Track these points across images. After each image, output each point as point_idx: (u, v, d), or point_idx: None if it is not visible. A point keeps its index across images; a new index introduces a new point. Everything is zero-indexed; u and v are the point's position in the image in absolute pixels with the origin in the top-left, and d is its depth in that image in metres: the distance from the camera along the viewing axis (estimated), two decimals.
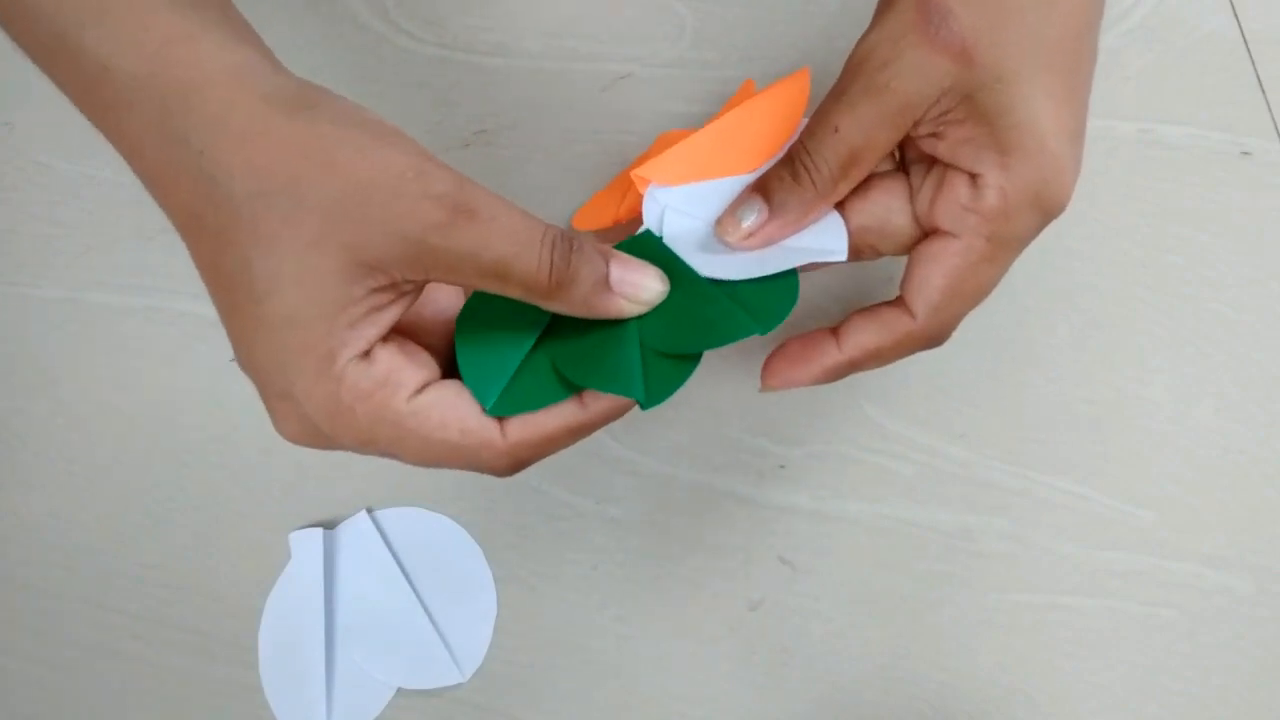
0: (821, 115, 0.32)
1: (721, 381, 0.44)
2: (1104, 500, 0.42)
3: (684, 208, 0.34)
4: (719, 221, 0.33)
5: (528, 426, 0.31)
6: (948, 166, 0.32)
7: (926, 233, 0.33)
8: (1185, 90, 0.47)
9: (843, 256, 0.33)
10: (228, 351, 0.45)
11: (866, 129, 0.31)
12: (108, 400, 0.46)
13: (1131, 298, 0.44)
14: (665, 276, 0.32)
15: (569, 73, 0.49)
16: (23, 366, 0.47)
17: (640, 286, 0.31)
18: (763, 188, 0.33)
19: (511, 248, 0.28)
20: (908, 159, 0.34)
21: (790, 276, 0.32)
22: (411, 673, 0.41)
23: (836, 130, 0.31)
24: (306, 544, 0.42)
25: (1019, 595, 0.41)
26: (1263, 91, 0.47)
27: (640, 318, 0.32)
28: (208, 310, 0.46)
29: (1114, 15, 0.48)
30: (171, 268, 0.48)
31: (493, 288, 0.29)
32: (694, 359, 0.32)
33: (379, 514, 0.43)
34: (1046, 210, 0.32)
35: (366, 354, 0.29)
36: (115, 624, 0.43)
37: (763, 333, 0.32)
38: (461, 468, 0.31)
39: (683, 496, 0.43)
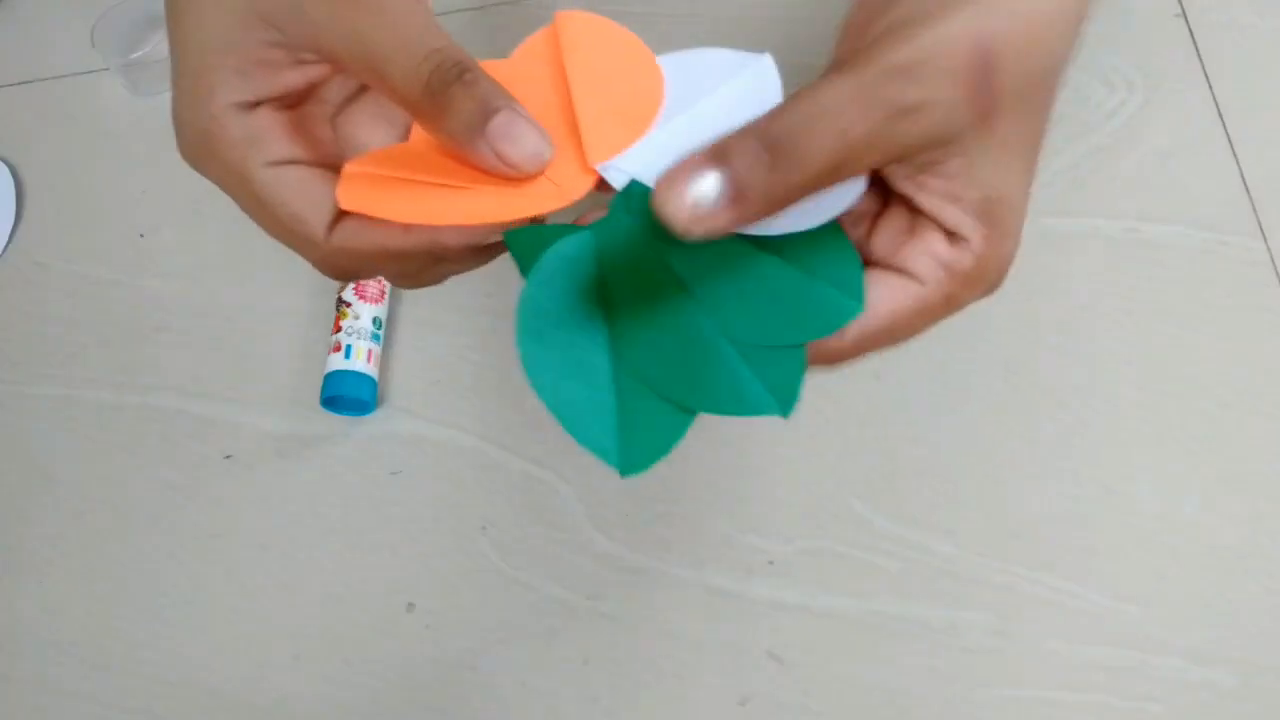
0: (828, 108, 0.32)
1: (711, 478, 0.54)
2: (1090, 596, 0.51)
3: (652, 166, 0.35)
4: (659, 188, 0.32)
5: (352, 238, 0.36)
6: (918, 212, 0.36)
7: (869, 260, 0.37)
8: (1171, 189, 0.57)
9: (860, 191, 0.35)
10: (221, 448, 0.56)
11: (870, 146, 0.33)
12: (102, 496, 0.56)
13: (1117, 395, 0.54)
14: (547, 145, 0.34)
15: None
16: (18, 463, 0.57)
17: (515, 140, 0.34)
18: (724, 159, 0.32)
19: (391, 45, 0.33)
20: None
21: (800, 351, 0.35)
22: None
23: (845, 132, 0.32)
24: None
25: (1006, 690, 0.50)
26: (1247, 191, 0.57)
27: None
28: (200, 408, 0.57)
29: (1102, 114, 0.59)
30: (165, 366, 0.58)
31: (371, 83, 0.35)
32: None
33: None
34: (994, 286, 0.37)
35: (253, 106, 0.36)
36: (109, 718, 0.53)
37: (784, 415, 0.34)
38: (288, 246, 0.38)
39: (672, 592, 0.52)
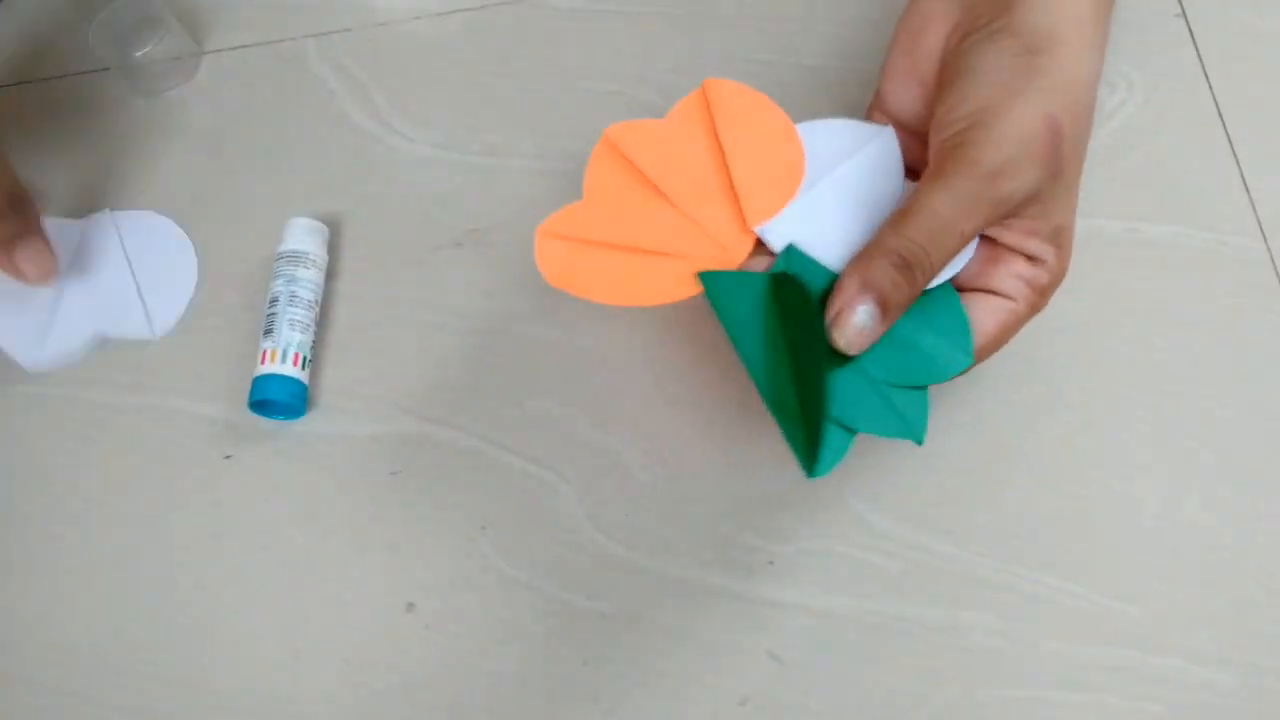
0: (949, 220, 0.41)
1: (711, 478, 0.54)
2: (1090, 596, 0.51)
3: (804, 229, 0.45)
4: (833, 321, 0.41)
5: None
6: (1000, 244, 0.45)
7: (965, 288, 0.45)
8: (1171, 189, 0.57)
9: (969, 258, 0.45)
10: (221, 449, 0.56)
11: (983, 227, 0.42)
12: (104, 497, 0.56)
13: (1118, 395, 0.54)
14: (53, 270, 0.56)
15: (561, 172, 0.60)
16: (20, 463, 0.57)
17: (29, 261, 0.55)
18: (872, 287, 0.41)
19: None
20: None
21: (924, 395, 0.44)
22: (113, 325, 0.59)
23: (963, 234, 0.42)
24: (61, 227, 0.61)
25: (1006, 690, 0.50)
26: (1247, 191, 0.57)
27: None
28: (202, 408, 0.57)
29: (1102, 115, 0.59)
30: (167, 367, 0.58)
31: None
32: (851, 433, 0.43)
33: (118, 213, 0.62)
34: (1055, 292, 0.46)
35: None
36: (109, 718, 0.53)
37: (919, 442, 0.43)
38: None
39: (673, 592, 0.52)
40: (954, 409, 0.54)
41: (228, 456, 0.56)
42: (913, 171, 0.47)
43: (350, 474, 0.55)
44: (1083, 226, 0.56)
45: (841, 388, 0.43)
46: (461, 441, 0.55)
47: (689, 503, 0.53)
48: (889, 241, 0.41)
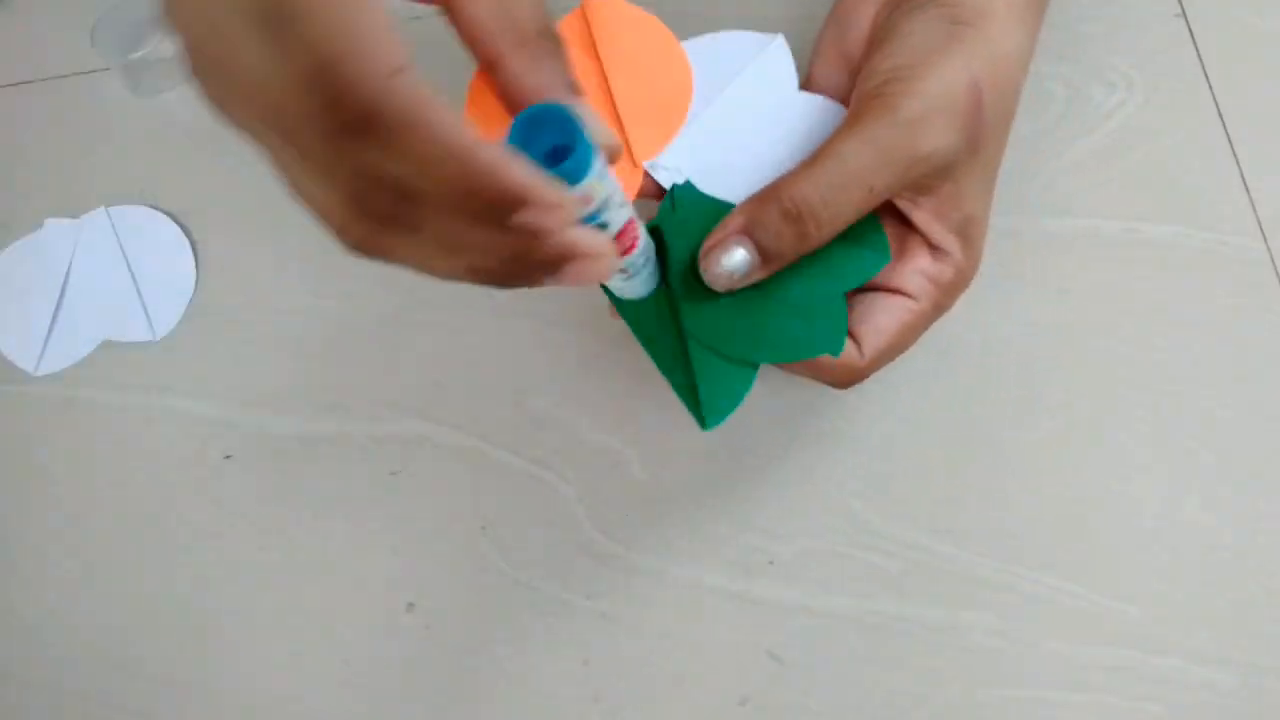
0: (856, 172, 0.39)
1: (711, 478, 0.54)
2: (1090, 596, 0.51)
3: (696, 160, 0.42)
4: (703, 256, 0.39)
5: None
6: (911, 229, 0.42)
7: (867, 286, 0.43)
8: (1171, 189, 0.57)
9: None
10: (221, 449, 0.56)
11: (892, 191, 0.40)
12: (104, 498, 0.56)
13: (1116, 396, 0.54)
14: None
15: None
16: (19, 464, 0.57)
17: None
18: (755, 231, 0.39)
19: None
20: None
21: (842, 306, 0.41)
22: (114, 328, 0.59)
23: (871, 189, 0.39)
24: (61, 227, 0.61)
25: (1006, 690, 0.50)
26: (1247, 190, 0.57)
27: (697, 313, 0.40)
28: (203, 409, 0.57)
29: (1100, 114, 0.59)
30: (167, 367, 0.59)
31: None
32: (753, 368, 0.41)
33: (114, 210, 0.61)
34: (964, 289, 0.44)
35: None
36: (109, 718, 0.53)
37: (835, 354, 0.41)
38: None
39: (672, 592, 0.52)
40: (954, 409, 0.54)
41: (228, 456, 0.56)
42: None
43: (350, 474, 0.55)
44: (1080, 226, 0.56)
45: (739, 319, 0.40)
46: (461, 441, 0.55)
47: (689, 503, 0.53)
48: (787, 187, 0.39)
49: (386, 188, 0.28)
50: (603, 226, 0.34)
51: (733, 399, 0.40)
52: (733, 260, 0.39)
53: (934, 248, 0.42)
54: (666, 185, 0.43)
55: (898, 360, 0.53)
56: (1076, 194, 0.57)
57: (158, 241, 0.61)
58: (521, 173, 0.28)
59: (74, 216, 0.62)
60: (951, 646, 0.51)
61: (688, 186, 0.43)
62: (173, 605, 0.54)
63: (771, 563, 0.52)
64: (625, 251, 0.36)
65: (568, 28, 0.43)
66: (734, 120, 0.43)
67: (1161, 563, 0.51)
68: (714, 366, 0.40)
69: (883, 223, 0.43)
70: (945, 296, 0.43)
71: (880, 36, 0.43)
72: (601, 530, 0.53)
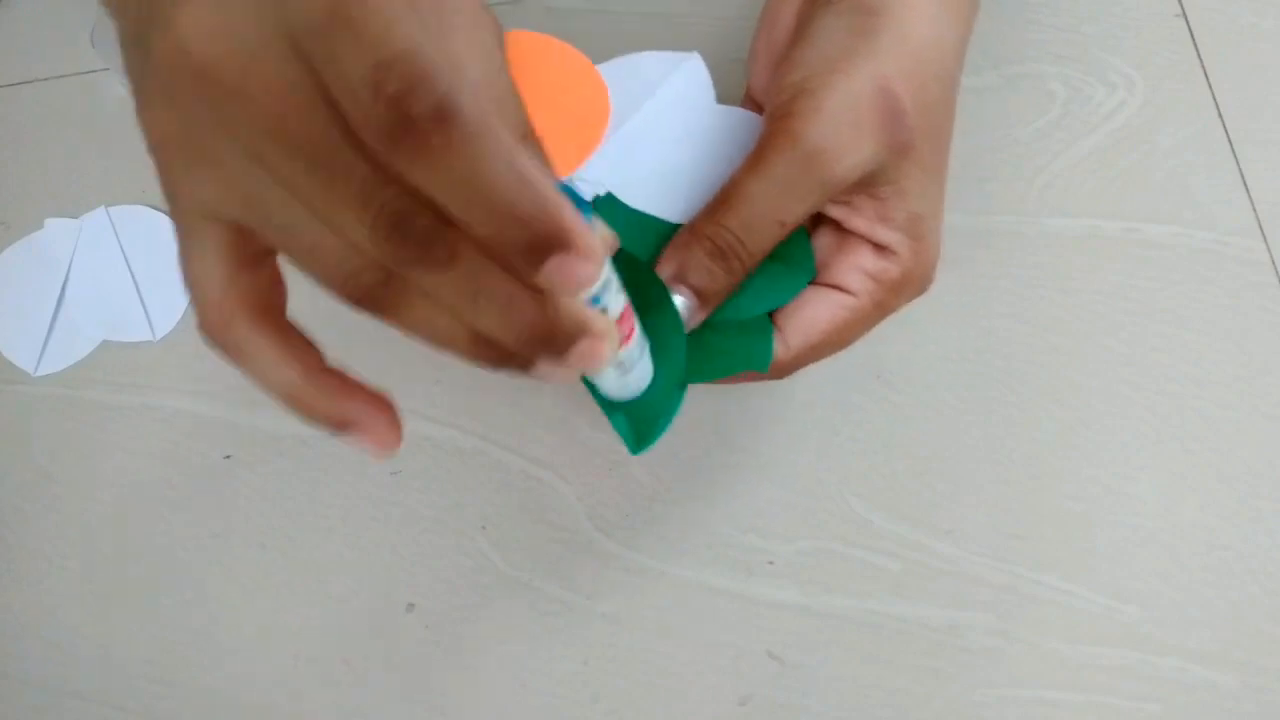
0: (764, 207, 0.38)
1: (711, 478, 0.54)
2: (1089, 596, 0.51)
3: (616, 174, 0.42)
4: None
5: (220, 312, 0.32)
6: (849, 232, 0.41)
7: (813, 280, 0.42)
8: (1171, 189, 0.57)
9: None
10: (221, 449, 0.56)
11: (807, 215, 0.39)
12: (102, 496, 0.56)
13: (1117, 395, 0.54)
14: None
15: None
16: (18, 463, 0.57)
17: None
18: (687, 276, 0.38)
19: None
20: None
21: (767, 323, 0.41)
22: (114, 328, 0.59)
23: (784, 222, 0.38)
24: (61, 227, 0.61)
25: (1005, 690, 0.50)
26: (1247, 191, 0.57)
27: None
28: (202, 408, 0.57)
29: (1101, 115, 0.59)
30: (166, 366, 0.58)
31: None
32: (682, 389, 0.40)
33: (114, 209, 0.61)
34: (925, 287, 0.42)
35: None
36: (109, 718, 0.53)
37: (763, 370, 0.40)
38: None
39: (672, 592, 0.52)
40: (954, 409, 0.54)
41: (228, 456, 0.56)
42: None
43: (350, 474, 0.55)
44: (1080, 225, 0.56)
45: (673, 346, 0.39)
46: (461, 441, 0.55)
47: (689, 503, 0.53)
48: (704, 228, 0.38)
49: (429, 209, 0.27)
50: (603, 311, 0.33)
51: (663, 422, 0.39)
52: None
53: (879, 246, 0.41)
54: (588, 199, 0.42)
55: (897, 360, 0.53)
56: (1076, 194, 0.57)
57: (158, 241, 0.61)
58: (570, 210, 0.27)
59: (74, 216, 0.62)
60: (951, 646, 0.51)
61: (609, 198, 0.42)
62: (173, 605, 0.54)
63: (771, 563, 0.52)
64: (623, 340, 0.35)
65: None
66: (653, 134, 0.43)
67: (1162, 563, 0.51)
68: (642, 392, 0.39)
69: (823, 225, 0.42)
70: (890, 295, 0.41)
71: (796, 39, 0.41)
72: (601, 530, 0.53)
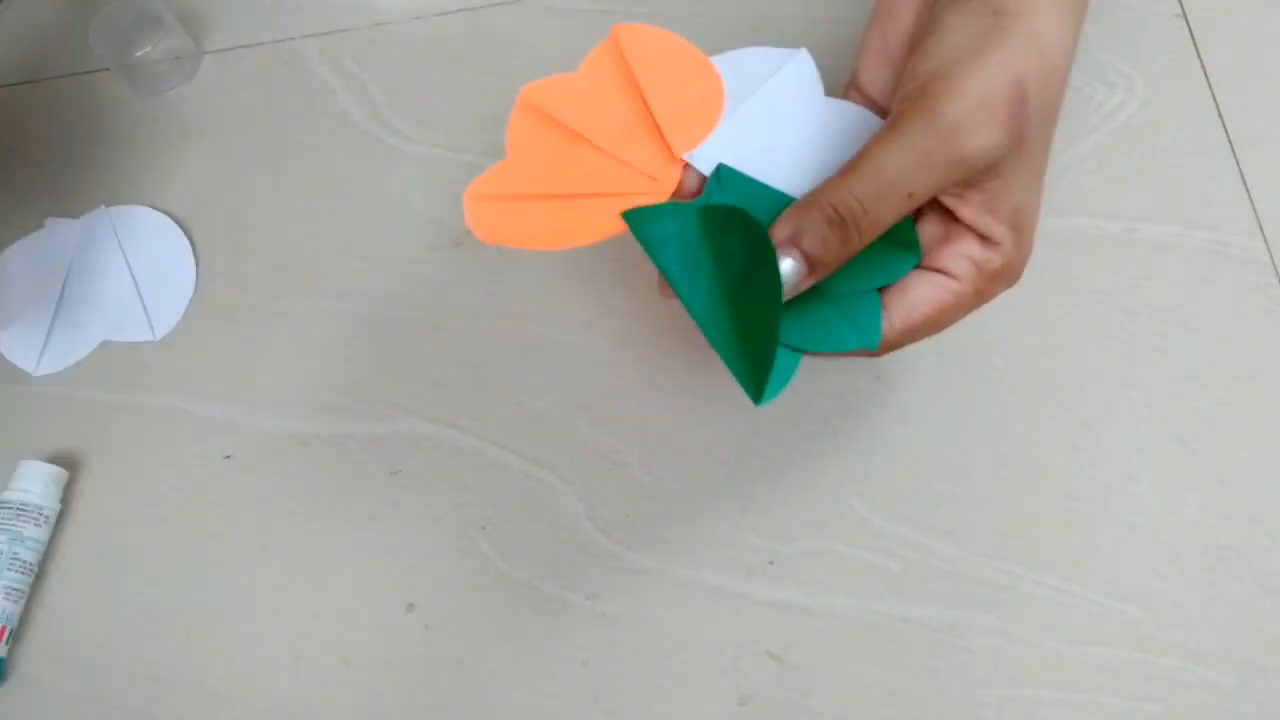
0: (897, 176, 0.39)
1: (711, 478, 0.54)
2: (1090, 596, 0.51)
3: (731, 152, 0.44)
4: None
5: None
6: (955, 221, 0.42)
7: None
8: (1170, 189, 0.57)
9: None
10: (221, 448, 0.56)
11: (933, 192, 0.40)
12: (105, 496, 0.56)
13: (1117, 395, 0.54)
14: None
15: None
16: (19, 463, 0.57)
17: None
18: (801, 240, 0.39)
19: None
20: None
21: (876, 299, 0.42)
22: (114, 328, 0.59)
23: (911, 195, 0.39)
24: (61, 227, 0.62)
25: (1006, 690, 0.50)
26: (1246, 190, 0.57)
27: None
28: (202, 408, 0.57)
29: (1101, 115, 0.59)
30: (167, 367, 0.59)
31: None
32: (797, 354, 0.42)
33: (113, 210, 0.62)
34: (1014, 282, 0.43)
35: None
36: (109, 718, 0.53)
37: (872, 348, 0.42)
38: None
39: (673, 592, 0.52)
40: (954, 409, 0.54)
41: (228, 456, 0.56)
42: None
43: (350, 474, 0.55)
44: (1081, 225, 0.56)
45: (790, 302, 0.41)
46: (461, 441, 0.55)
47: (689, 503, 0.53)
48: (828, 193, 0.39)
49: None
50: None
51: (780, 379, 0.41)
52: (783, 269, 0.39)
53: (983, 237, 0.42)
54: (705, 173, 0.44)
55: (898, 361, 0.53)
56: (1076, 194, 0.57)
57: (157, 241, 0.61)
58: None
59: (74, 216, 0.62)
60: (951, 646, 0.51)
61: (730, 169, 0.44)
62: (173, 605, 0.54)
63: (771, 563, 0.52)
64: None
65: (602, 54, 0.46)
66: (763, 123, 0.45)
67: (1162, 563, 0.51)
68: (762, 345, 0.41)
69: (930, 213, 0.43)
70: (989, 284, 0.42)
71: (921, 34, 0.42)
72: (601, 530, 0.53)
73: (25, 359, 0.58)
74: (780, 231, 0.39)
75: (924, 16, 0.43)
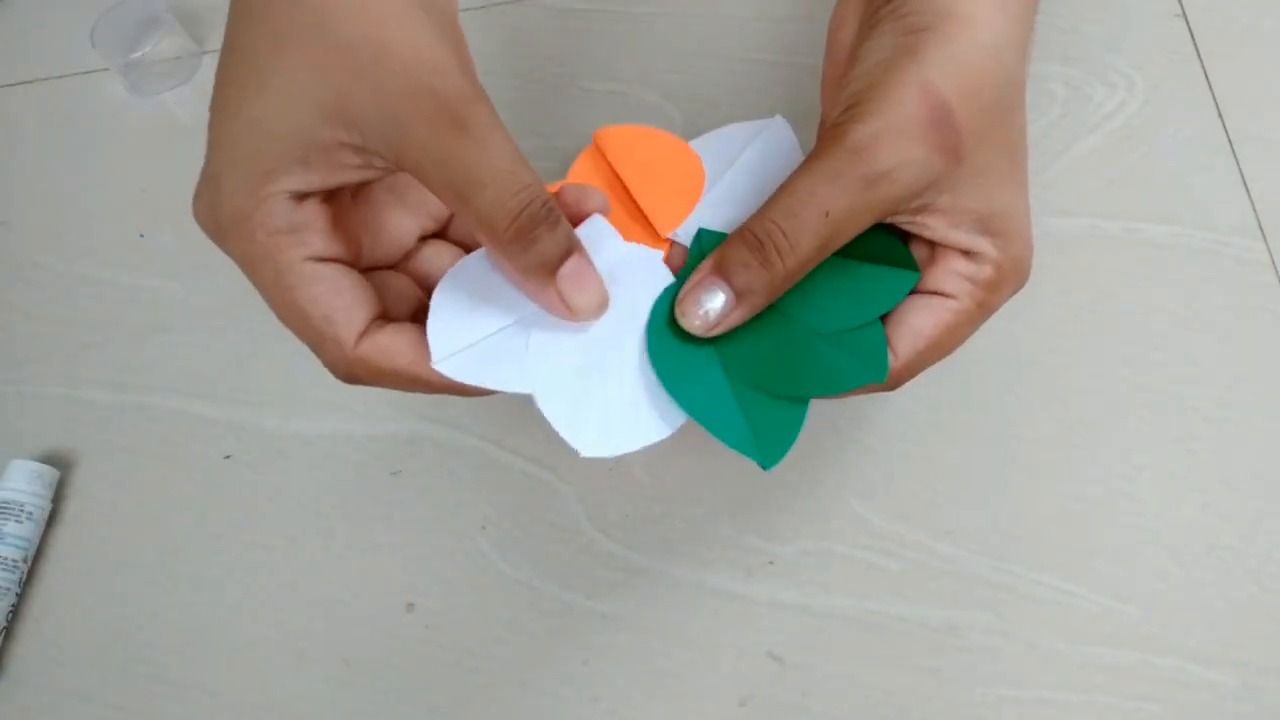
0: (806, 196, 0.38)
1: (711, 478, 0.54)
2: (1090, 596, 0.51)
3: (716, 220, 0.44)
4: (679, 302, 0.39)
5: (378, 353, 0.38)
6: (935, 243, 0.41)
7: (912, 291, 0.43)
8: (1170, 189, 0.57)
9: None
10: (221, 448, 0.56)
11: (857, 216, 0.39)
12: (102, 496, 0.56)
13: (1117, 395, 0.54)
14: (607, 302, 0.40)
15: (560, 173, 0.60)
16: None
17: (578, 289, 0.38)
18: (724, 271, 0.39)
19: (488, 175, 0.35)
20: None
21: (879, 329, 0.42)
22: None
23: (826, 213, 0.38)
24: None
25: (1005, 690, 0.50)
26: (1246, 190, 0.57)
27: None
28: (200, 409, 0.57)
29: (1101, 115, 0.59)
30: (165, 366, 0.58)
31: (453, 207, 0.36)
32: (804, 404, 0.41)
33: None
34: (1022, 282, 0.42)
35: (301, 198, 0.37)
36: (109, 718, 0.53)
37: (881, 380, 0.41)
38: (305, 342, 0.39)
39: (673, 592, 0.52)
40: (954, 409, 0.54)
41: (228, 456, 0.56)
42: None
43: (350, 474, 0.55)
44: (1081, 225, 0.56)
45: (780, 354, 0.41)
46: (461, 441, 0.55)
47: (689, 503, 0.53)
48: (749, 223, 0.39)
49: None
50: None
51: (789, 435, 0.40)
52: (712, 301, 0.39)
53: (965, 251, 0.41)
54: (687, 244, 0.45)
55: None
56: (1076, 194, 0.57)
57: None
58: None
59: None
60: (950, 646, 0.51)
61: (709, 230, 0.44)
62: (173, 605, 0.54)
63: (771, 563, 0.52)
64: None
65: (586, 161, 0.48)
66: (743, 190, 0.45)
67: (1161, 563, 0.51)
68: (764, 406, 0.40)
69: (913, 241, 0.43)
70: (990, 293, 0.41)
71: (849, 63, 0.41)
72: (601, 530, 0.53)
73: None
74: (705, 265, 0.40)
75: (856, 42, 0.42)
